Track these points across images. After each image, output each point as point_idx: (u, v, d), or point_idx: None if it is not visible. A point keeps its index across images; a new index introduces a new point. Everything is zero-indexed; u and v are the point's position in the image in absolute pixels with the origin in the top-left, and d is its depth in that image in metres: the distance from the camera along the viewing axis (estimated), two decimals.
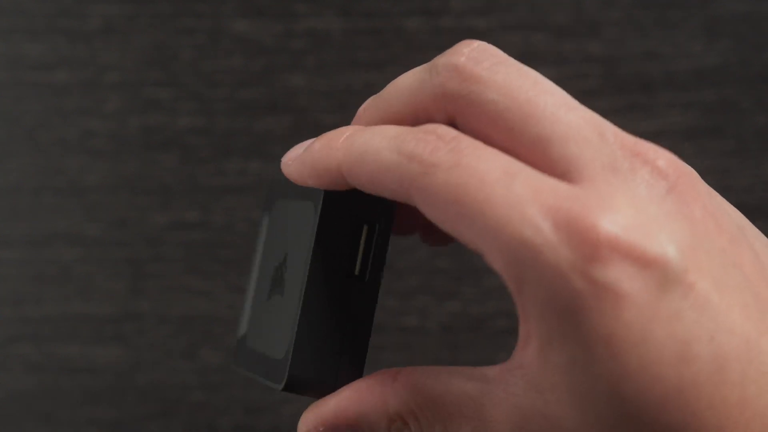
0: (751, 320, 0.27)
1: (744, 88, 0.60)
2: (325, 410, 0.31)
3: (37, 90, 0.61)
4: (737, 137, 0.61)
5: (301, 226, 0.32)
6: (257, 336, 0.33)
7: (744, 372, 0.26)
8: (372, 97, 0.32)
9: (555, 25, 0.61)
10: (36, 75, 0.61)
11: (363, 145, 0.30)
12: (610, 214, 0.26)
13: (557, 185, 0.27)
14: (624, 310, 0.26)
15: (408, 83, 0.31)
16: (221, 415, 0.60)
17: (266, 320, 0.33)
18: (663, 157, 0.28)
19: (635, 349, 0.26)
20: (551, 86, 0.29)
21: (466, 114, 0.29)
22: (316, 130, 0.61)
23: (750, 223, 0.30)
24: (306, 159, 0.31)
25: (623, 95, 0.61)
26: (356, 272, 0.31)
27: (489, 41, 0.61)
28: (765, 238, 0.30)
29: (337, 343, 0.31)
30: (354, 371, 0.31)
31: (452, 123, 0.30)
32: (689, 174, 0.28)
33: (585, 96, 0.61)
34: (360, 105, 0.61)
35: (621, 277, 0.26)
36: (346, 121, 0.61)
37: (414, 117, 0.31)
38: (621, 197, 0.27)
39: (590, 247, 0.26)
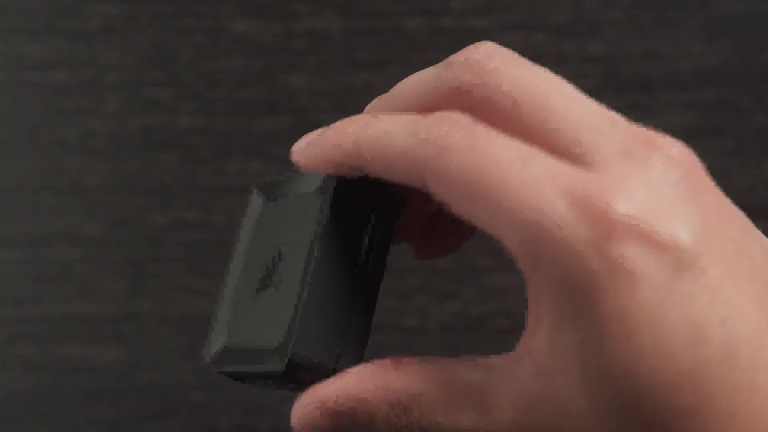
0: (761, 309, 0.27)
1: (744, 88, 0.60)
2: (325, 392, 0.30)
3: (37, 90, 0.61)
4: (737, 137, 0.61)
5: (302, 218, 0.32)
6: (244, 334, 0.33)
7: (755, 358, 0.26)
8: (380, 96, 0.32)
9: (555, 25, 0.61)
10: (36, 75, 0.61)
11: (378, 130, 0.30)
12: (626, 195, 0.27)
13: (572, 169, 0.27)
14: (639, 289, 0.26)
15: (420, 80, 0.31)
16: (221, 415, 0.60)
17: (256, 316, 0.33)
18: (675, 146, 0.28)
19: (649, 329, 0.26)
20: (562, 81, 0.29)
21: (480, 106, 0.29)
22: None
23: (751, 222, 0.30)
24: (319, 143, 0.31)
25: (623, 95, 0.61)
26: (360, 262, 0.32)
27: (489, 41, 0.61)
28: (765, 237, 0.30)
29: (339, 329, 0.31)
30: (354, 358, 0.31)
31: None
32: (700, 165, 0.28)
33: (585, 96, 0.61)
34: (360, 105, 0.61)
35: (636, 256, 0.26)
36: None
37: (425, 111, 0.31)
38: (635, 181, 0.27)
39: (606, 226, 0.26)
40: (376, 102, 0.33)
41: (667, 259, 0.26)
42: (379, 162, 0.30)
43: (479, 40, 0.60)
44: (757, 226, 0.61)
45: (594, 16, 0.61)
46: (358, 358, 0.32)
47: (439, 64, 0.31)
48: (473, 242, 0.61)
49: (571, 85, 0.30)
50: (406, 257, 0.61)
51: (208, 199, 0.61)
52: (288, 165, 0.61)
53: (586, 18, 0.61)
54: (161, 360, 0.60)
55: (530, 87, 0.29)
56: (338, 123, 0.32)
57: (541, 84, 0.29)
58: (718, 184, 0.61)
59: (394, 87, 0.32)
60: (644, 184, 0.27)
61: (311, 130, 0.61)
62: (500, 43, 0.61)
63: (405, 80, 0.32)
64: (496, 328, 0.60)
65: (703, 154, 0.61)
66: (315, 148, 0.32)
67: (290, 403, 0.60)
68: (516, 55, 0.30)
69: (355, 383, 0.30)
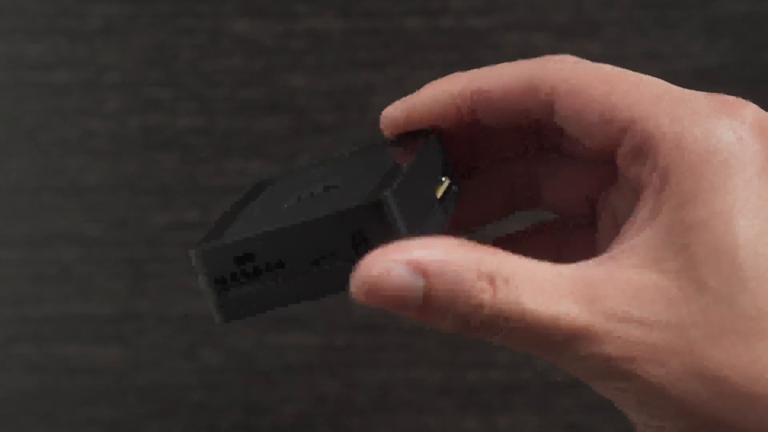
0: None
1: (744, 88, 0.60)
2: (413, 248, 0.27)
3: (37, 90, 0.61)
4: None
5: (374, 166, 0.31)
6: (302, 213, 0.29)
7: None
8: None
9: (555, 25, 0.61)
10: (36, 75, 0.61)
11: (489, 67, 0.32)
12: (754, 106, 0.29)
13: None
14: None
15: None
16: (221, 415, 0.60)
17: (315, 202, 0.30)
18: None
19: None
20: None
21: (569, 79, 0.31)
22: (316, 130, 0.61)
23: None
24: (428, 89, 0.32)
25: None
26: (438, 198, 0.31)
27: (489, 41, 0.61)
28: None
29: (420, 222, 0.30)
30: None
31: (550, 101, 0.32)
32: None
33: None
34: (360, 105, 0.61)
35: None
36: (346, 121, 0.61)
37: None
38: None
39: (749, 115, 0.28)
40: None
41: None
42: (496, 92, 0.31)
43: (479, 40, 0.60)
44: None
45: (594, 16, 0.61)
46: None
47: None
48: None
49: None
50: None
51: (208, 199, 0.61)
52: (288, 165, 0.61)
53: (586, 18, 0.61)
54: (161, 360, 0.60)
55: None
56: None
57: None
58: None
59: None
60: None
61: (311, 130, 0.61)
62: (500, 43, 0.61)
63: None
64: None
65: None
66: (422, 94, 0.33)
67: (290, 403, 0.60)
68: None
69: (443, 249, 0.27)
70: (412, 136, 0.33)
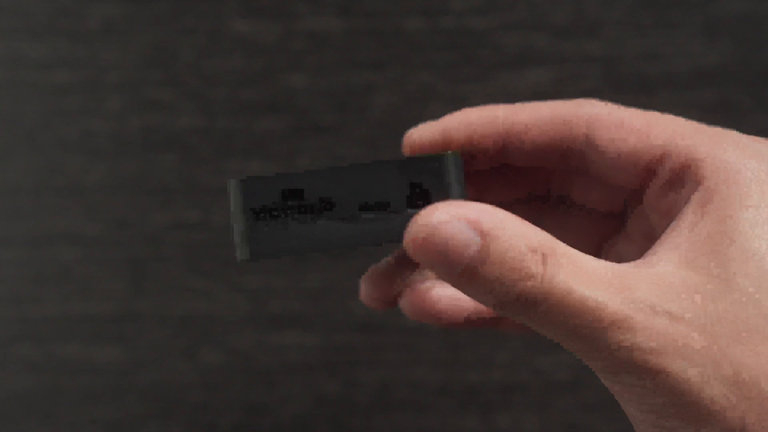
0: None
1: (744, 88, 0.60)
2: (475, 211, 0.28)
3: (37, 90, 0.61)
4: None
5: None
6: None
7: None
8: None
9: (555, 25, 0.61)
10: (36, 75, 0.61)
11: (526, 104, 0.33)
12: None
13: None
14: None
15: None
16: (221, 415, 0.60)
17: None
18: None
19: None
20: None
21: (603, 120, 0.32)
22: (316, 130, 0.61)
23: None
24: (454, 116, 0.33)
25: (623, 95, 0.61)
26: None
27: (489, 41, 0.61)
28: None
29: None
30: None
31: (587, 134, 0.32)
32: None
33: (585, 96, 0.61)
34: (360, 105, 0.61)
35: None
36: (346, 121, 0.61)
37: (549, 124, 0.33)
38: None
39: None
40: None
41: None
42: (531, 128, 0.32)
43: (479, 40, 0.60)
44: None
45: (594, 16, 0.61)
46: None
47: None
48: None
49: None
50: None
51: (208, 199, 0.61)
52: (288, 165, 0.61)
53: (586, 18, 0.61)
54: (161, 360, 0.60)
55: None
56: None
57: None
58: None
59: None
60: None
61: (311, 130, 0.61)
62: (500, 43, 0.61)
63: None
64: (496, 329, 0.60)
65: None
66: (448, 122, 0.33)
67: (290, 403, 0.60)
68: None
69: (502, 215, 0.28)
70: (425, 158, 0.32)
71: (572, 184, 0.34)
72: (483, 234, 0.27)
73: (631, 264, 0.28)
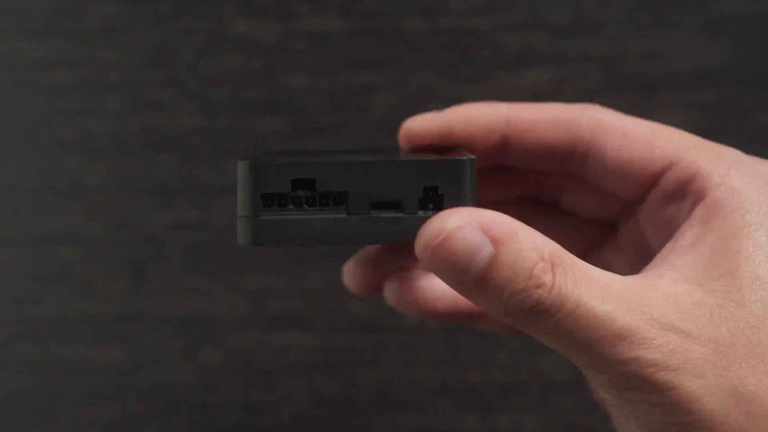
0: None
1: (744, 88, 0.60)
2: (488, 218, 0.27)
3: (37, 90, 0.61)
4: (737, 137, 0.61)
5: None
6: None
7: None
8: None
9: (555, 25, 0.61)
10: (36, 75, 0.61)
11: (530, 104, 0.33)
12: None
13: None
14: None
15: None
16: (221, 415, 0.60)
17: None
18: None
19: None
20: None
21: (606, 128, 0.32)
22: (316, 130, 0.61)
23: None
24: (459, 110, 0.33)
25: (623, 95, 0.61)
26: None
27: (489, 41, 0.61)
28: None
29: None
30: None
31: (588, 141, 0.33)
32: None
33: (585, 96, 0.61)
34: (360, 105, 0.61)
35: None
36: (347, 121, 0.61)
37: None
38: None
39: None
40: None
41: None
42: (533, 127, 0.32)
43: (479, 40, 0.60)
44: None
45: (594, 16, 0.61)
46: None
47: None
48: None
49: None
50: None
51: (208, 199, 0.61)
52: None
53: (586, 18, 0.61)
54: (161, 360, 0.60)
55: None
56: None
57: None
58: None
59: None
60: None
61: (311, 130, 0.61)
62: (500, 43, 0.61)
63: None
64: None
65: None
66: (455, 113, 0.33)
67: (291, 403, 0.60)
68: None
69: (514, 224, 0.28)
70: (442, 161, 0.32)
71: (565, 189, 0.34)
72: (495, 241, 0.27)
73: (638, 277, 0.28)
